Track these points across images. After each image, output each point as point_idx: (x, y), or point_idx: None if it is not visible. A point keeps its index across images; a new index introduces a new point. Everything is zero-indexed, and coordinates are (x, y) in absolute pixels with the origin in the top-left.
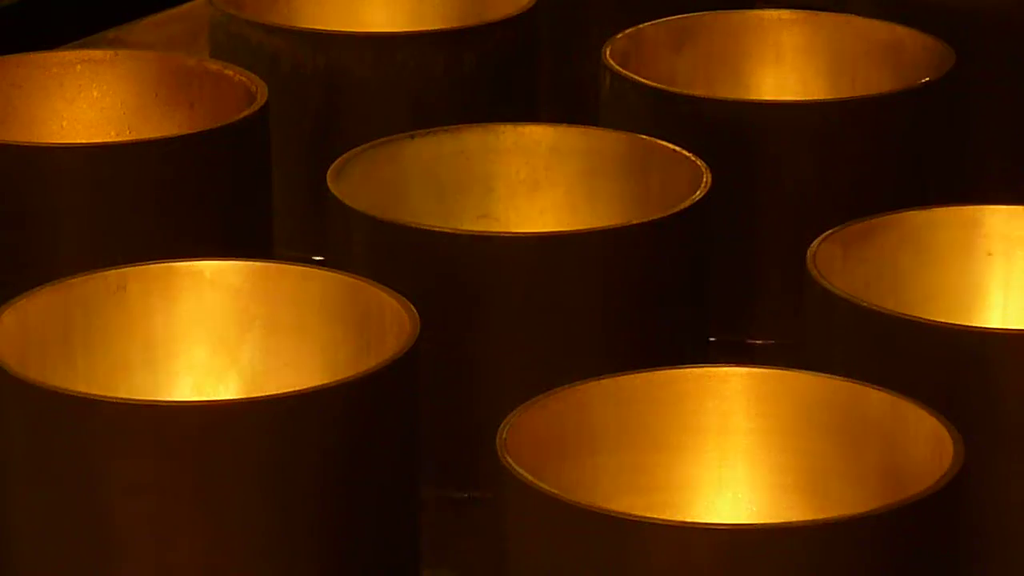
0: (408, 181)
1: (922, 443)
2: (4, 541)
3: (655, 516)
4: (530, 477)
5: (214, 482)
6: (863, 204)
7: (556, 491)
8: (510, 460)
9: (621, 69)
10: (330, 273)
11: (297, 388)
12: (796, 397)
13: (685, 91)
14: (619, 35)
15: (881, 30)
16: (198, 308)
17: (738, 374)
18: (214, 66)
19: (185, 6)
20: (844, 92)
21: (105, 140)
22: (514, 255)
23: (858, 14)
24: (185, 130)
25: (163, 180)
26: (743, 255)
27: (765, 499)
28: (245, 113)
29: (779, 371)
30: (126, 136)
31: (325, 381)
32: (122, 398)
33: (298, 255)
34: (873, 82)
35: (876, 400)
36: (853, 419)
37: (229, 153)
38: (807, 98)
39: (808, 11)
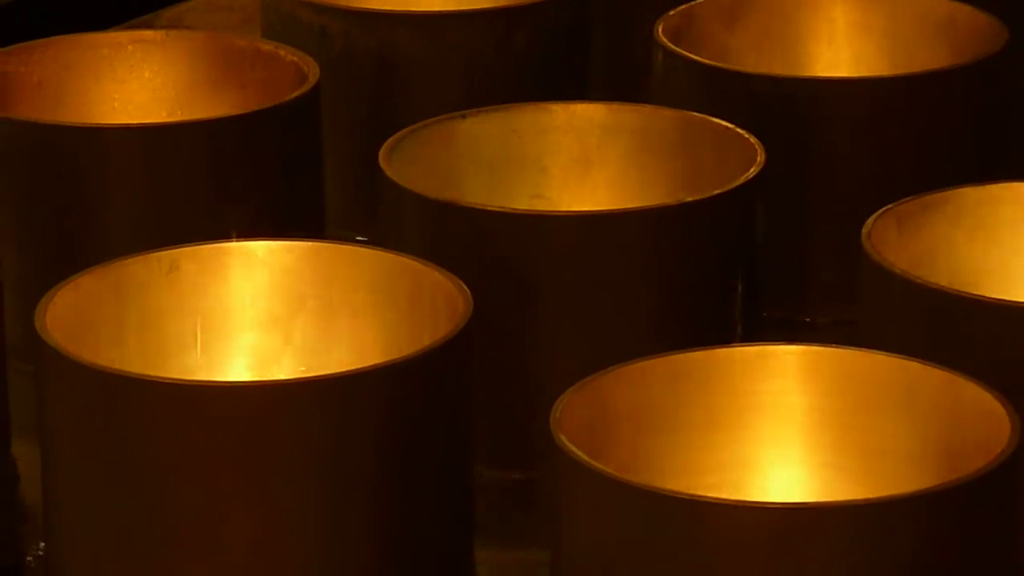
0: (460, 160)
1: (978, 421)
2: (56, 519)
3: (710, 495)
4: (584, 456)
5: (268, 462)
6: (918, 180)
7: (610, 470)
8: (564, 439)
9: (673, 46)
10: (383, 253)
11: (350, 368)
12: (852, 375)
13: (738, 68)
14: (671, 12)
15: (935, 7)
16: (251, 288)
17: (793, 352)
18: (266, 46)
19: None
20: (898, 68)
21: (157, 121)
22: (566, 234)
23: None
24: (237, 110)
25: (215, 160)
26: (797, 232)
27: (821, 478)
28: (297, 93)
29: (835, 349)
30: (178, 117)
31: (378, 361)
32: (175, 378)
33: (350, 235)
34: (927, 58)
35: (932, 378)
36: (909, 397)
37: (281, 133)
38: (861, 74)
39: None
